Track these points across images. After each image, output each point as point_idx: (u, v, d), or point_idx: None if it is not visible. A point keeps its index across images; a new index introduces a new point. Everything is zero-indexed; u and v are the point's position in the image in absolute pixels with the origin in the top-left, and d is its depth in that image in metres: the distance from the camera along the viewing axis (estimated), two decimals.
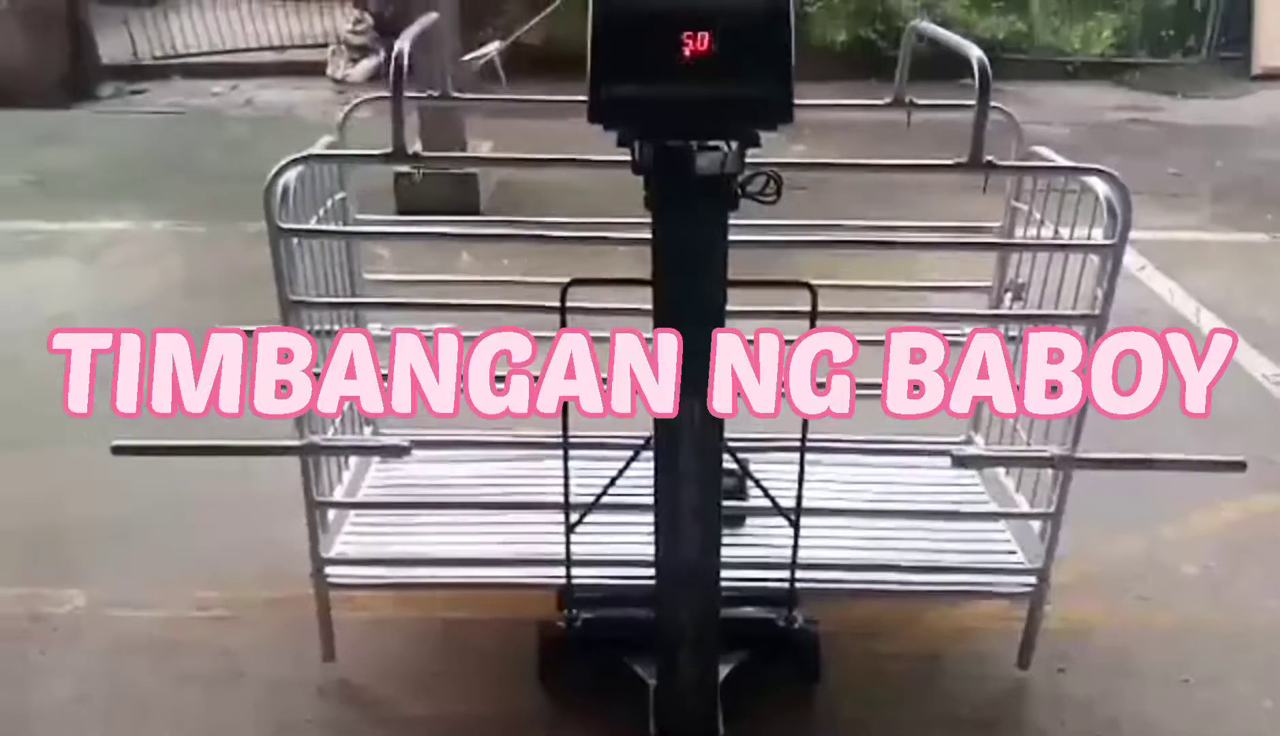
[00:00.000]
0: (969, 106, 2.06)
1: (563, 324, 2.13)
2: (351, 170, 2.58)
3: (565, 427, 2.24)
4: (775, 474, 2.58)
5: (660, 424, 1.91)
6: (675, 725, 2.20)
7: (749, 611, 2.42)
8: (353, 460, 2.71)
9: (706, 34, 1.62)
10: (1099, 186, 2.16)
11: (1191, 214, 6.13)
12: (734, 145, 1.69)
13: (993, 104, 2.62)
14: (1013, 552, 2.57)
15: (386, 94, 2.02)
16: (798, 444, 2.28)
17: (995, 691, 2.57)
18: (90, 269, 5.19)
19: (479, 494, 2.63)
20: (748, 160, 1.76)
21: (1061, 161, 2.27)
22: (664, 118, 1.66)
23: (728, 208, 1.74)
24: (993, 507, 2.70)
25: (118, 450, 2.25)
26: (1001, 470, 2.78)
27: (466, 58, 3.44)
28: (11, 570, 2.93)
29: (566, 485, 2.29)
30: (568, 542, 2.34)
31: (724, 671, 2.30)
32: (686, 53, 1.62)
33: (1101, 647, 2.71)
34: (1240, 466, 2.33)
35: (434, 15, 2.34)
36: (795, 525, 2.35)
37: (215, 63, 10.49)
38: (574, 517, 2.32)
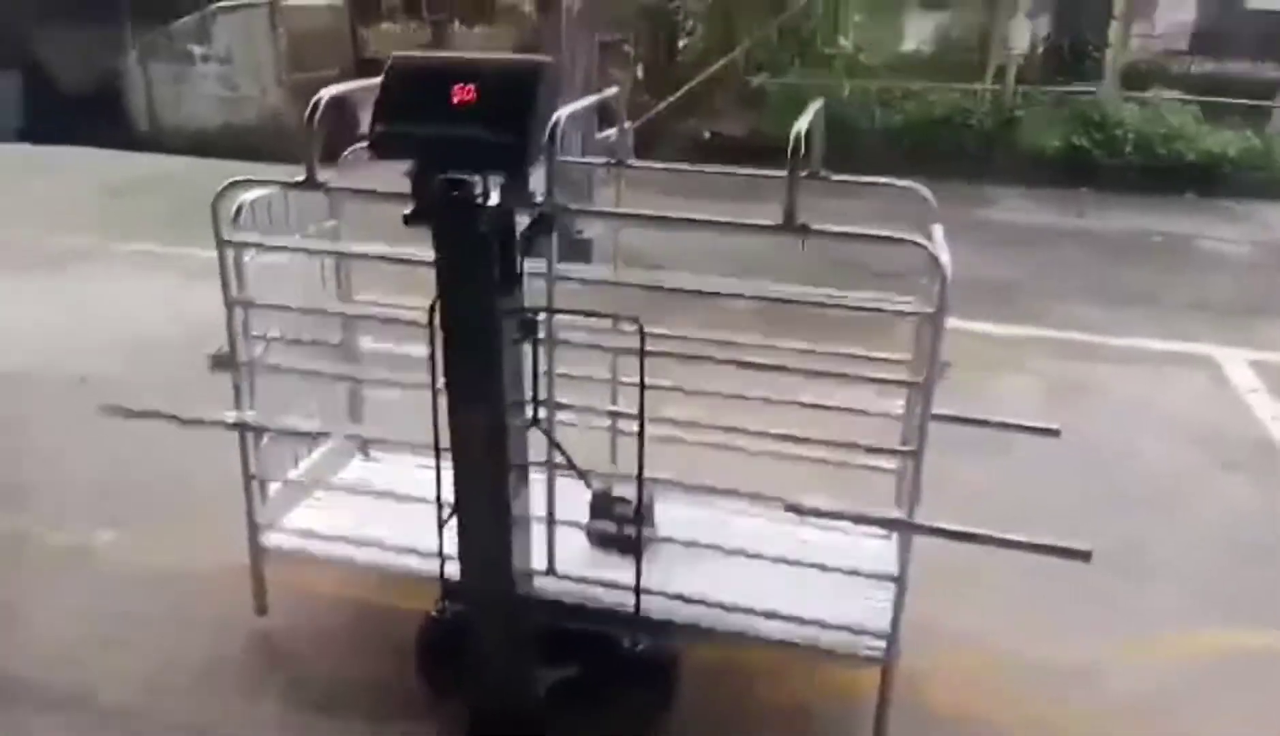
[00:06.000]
0: (877, 183, 2.25)
1: (431, 340, 2.45)
2: (344, 203, 3.05)
3: (435, 432, 2.54)
4: (696, 516, 2.91)
5: (452, 426, 2.18)
6: (491, 719, 2.40)
7: (592, 628, 2.58)
8: (321, 454, 3.13)
9: (473, 86, 1.95)
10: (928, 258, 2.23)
11: None
12: (490, 178, 1.98)
13: (904, 183, 2.78)
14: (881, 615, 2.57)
15: None
16: (651, 477, 2.47)
17: None
18: None
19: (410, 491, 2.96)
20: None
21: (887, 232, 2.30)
22: (426, 150, 1.98)
23: (491, 236, 2.02)
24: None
25: (104, 409, 2.81)
26: None
27: (601, 136, 3.86)
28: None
29: (439, 484, 2.58)
30: (440, 538, 2.62)
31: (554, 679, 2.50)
32: (455, 101, 1.95)
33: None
34: (1086, 556, 2.28)
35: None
36: (637, 549, 2.52)
37: None
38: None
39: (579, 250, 6.29)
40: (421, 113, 1.97)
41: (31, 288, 6.10)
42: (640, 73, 12.44)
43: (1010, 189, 10.38)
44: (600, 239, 6.41)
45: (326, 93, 2.49)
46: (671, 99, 8.40)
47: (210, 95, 11.12)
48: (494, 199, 2.02)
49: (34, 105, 11.05)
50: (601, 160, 3.00)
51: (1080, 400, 4.77)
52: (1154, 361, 5.35)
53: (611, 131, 4.89)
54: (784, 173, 2.61)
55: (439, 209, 1.98)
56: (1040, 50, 13.66)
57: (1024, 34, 12.14)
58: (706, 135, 11.79)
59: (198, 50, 11.24)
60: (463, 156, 1.97)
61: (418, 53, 2.13)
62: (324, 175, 2.51)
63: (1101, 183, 10.69)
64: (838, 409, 2.68)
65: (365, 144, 2.07)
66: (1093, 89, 11.57)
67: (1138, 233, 8.87)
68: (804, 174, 2.76)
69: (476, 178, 1.98)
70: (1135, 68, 12.73)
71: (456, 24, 13.68)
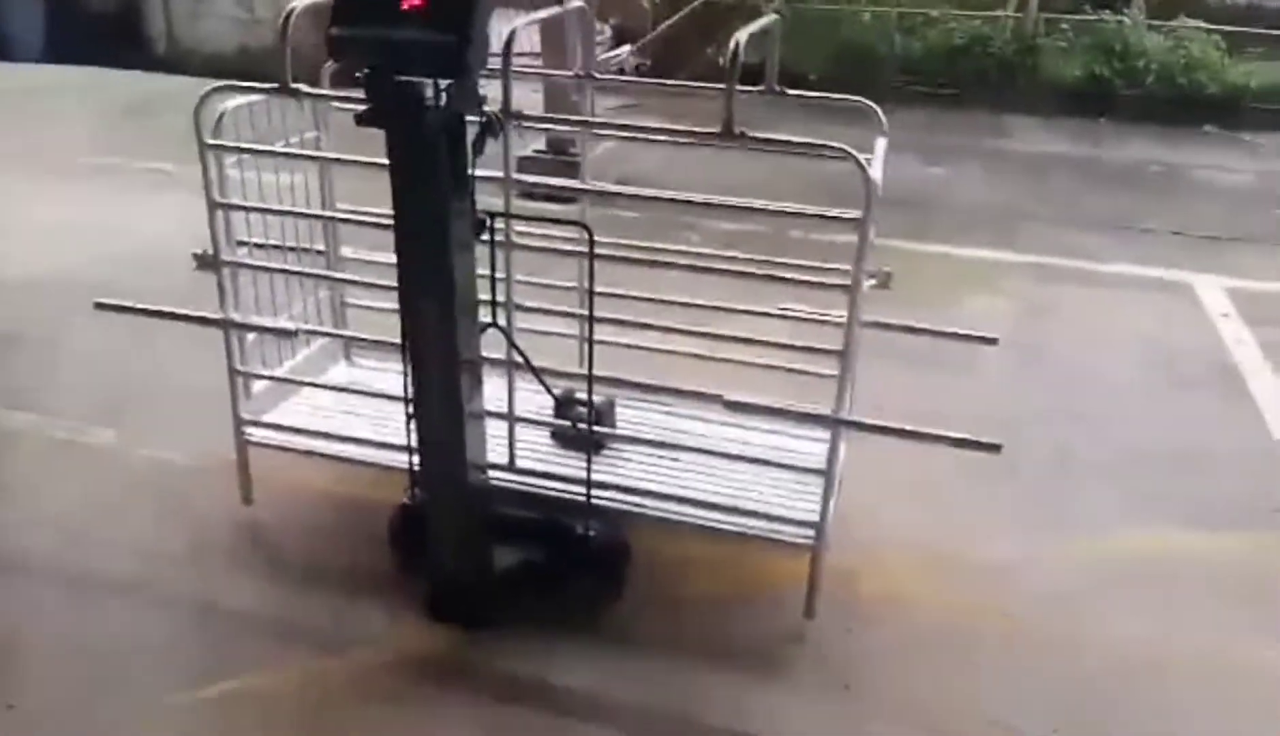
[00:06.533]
0: (836, 99, 2.40)
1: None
2: (326, 115, 3.19)
3: (404, 333, 2.70)
4: (657, 420, 3.12)
5: (408, 324, 2.34)
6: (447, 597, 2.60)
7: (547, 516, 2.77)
8: (305, 357, 3.31)
9: None
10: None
11: None
12: (442, 82, 2.11)
13: (856, 98, 2.88)
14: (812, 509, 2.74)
15: None
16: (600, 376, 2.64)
17: (776, 632, 2.79)
18: None
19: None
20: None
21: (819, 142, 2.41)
22: (376, 52, 2.10)
23: (439, 134, 2.15)
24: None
25: (99, 306, 2.99)
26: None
27: (603, 57, 3.94)
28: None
29: (406, 382, 2.75)
30: (408, 431, 2.80)
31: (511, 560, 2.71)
32: (404, 5, 2.07)
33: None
34: (996, 449, 2.44)
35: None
36: (588, 443, 2.69)
37: None
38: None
39: (568, 170, 6.38)
40: (373, 17, 2.09)
41: (46, 200, 6.28)
42: None
43: (1028, 118, 10.28)
44: (597, 161, 6.54)
45: (300, 3, 2.62)
46: (672, 20, 8.35)
47: (227, 18, 11.17)
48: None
49: (56, 26, 11.17)
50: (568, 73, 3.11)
51: (1051, 321, 4.88)
52: (1133, 286, 5.44)
53: (623, 50, 4.87)
54: (759, 90, 2.77)
55: (389, 110, 2.11)
56: None
57: None
58: (721, 61, 11.74)
59: None
60: (410, 59, 2.09)
61: None
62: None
63: (1121, 113, 10.57)
64: (792, 317, 2.83)
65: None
66: (1120, 18, 11.35)
67: (1146, 162, 8.83)
68: (761, 90, 2.90)
69: (427, 81, 2.11)
70: None
71: None
